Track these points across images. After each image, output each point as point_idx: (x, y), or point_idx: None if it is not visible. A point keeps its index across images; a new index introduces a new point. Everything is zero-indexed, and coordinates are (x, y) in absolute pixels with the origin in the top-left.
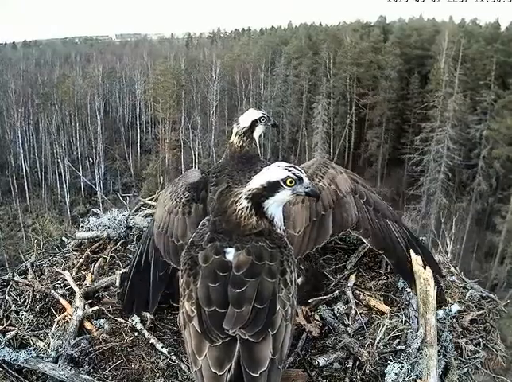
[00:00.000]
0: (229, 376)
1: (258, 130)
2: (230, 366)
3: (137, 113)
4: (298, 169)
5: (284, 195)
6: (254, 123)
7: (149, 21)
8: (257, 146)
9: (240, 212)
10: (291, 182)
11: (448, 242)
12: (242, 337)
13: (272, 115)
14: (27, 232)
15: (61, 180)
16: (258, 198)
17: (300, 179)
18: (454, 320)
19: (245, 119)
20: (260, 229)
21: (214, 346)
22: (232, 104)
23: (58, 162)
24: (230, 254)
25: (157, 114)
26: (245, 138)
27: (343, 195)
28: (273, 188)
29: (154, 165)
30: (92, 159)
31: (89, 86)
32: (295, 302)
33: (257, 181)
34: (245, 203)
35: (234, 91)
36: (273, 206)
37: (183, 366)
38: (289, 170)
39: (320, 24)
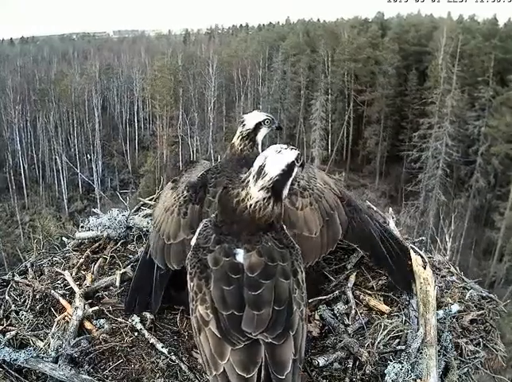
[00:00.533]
0: (260, 378)
1: (262, 132)
2: (260, 369)
3: (135, 109)
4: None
5: (295, 173)
6: (258, 126)
7: (146, 17)
8: (260, 148)
9: (253, 205)
10: (300, 159)
11: (448, 239)
12: (265, 340)
13: (270, 112)
14: (24, 229)
15: (59, 176)
16: (280, 184)
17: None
18: (454, 320)
19: (249, 121)
20: (273, 218)
21: (236, 350)
22: (230, 100)
23: (56, 159)
24: (240, 255)
25: (155, 110)
26: (247, 141)
27: (337, 194)
28: (290, 170)
29: (152, 162)
30: (90, 156)
31: (87, 82)
32: (307, 301)
33: (275, 168)
34: (262, 195)
35: (232, 87)
36: (287, 188)
37: (183, 366)
38: (295, 148)
39: (318, 20)
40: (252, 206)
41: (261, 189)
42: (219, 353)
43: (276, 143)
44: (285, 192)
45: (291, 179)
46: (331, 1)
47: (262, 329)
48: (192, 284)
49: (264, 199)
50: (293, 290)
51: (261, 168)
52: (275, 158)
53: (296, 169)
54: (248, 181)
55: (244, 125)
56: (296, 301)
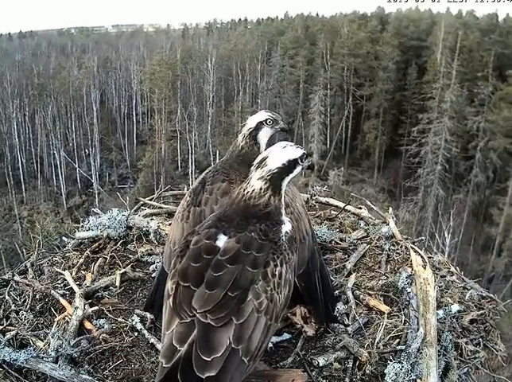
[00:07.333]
0: (182, 353)
1: (264, 132)
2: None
3: (134, 104)
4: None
5: (297, 171)
6: (259, 125)
7: (144, 11)
8: (262, 149)
9: (250, 193)
10: (305, 159)
11: (446, 235)
12: (202, 319)
13: (269, 106)
14: (22, 224)
15: (57, 171)
16: (278, 177)
17: (308, 156)
18: (454, 320)
19: (252, 120)
20: (270, 208)
21: (182, 323)
22: (229, 95)
23: (54, 154)
24: (221, 240)
25: (153, 104)
26: (248, 140)
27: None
28: (291, 166)
29: (150, 156)
30: (88, 150)
31: (85, 77)
32: (277, 297)
33: (276, 161)
34: (259, 184)
35: (231, 81)
36: (286, 183)
37: None
38: (302, 148)
39: (317, 14)
40: (248, 193)
41: (260, 178)
42: (168, 324)
43: (274, 138)
44: (284, 186)
45: (292, 176)
46: None
47: (208, 309)
48: (172, 262)
49: (261, 189)
50: (257, 280)
51: (264, 159)
52: (279, 153)
53: (298, 168)
54: (251, 173)
55: (246, 124)
56: (255, 291)
